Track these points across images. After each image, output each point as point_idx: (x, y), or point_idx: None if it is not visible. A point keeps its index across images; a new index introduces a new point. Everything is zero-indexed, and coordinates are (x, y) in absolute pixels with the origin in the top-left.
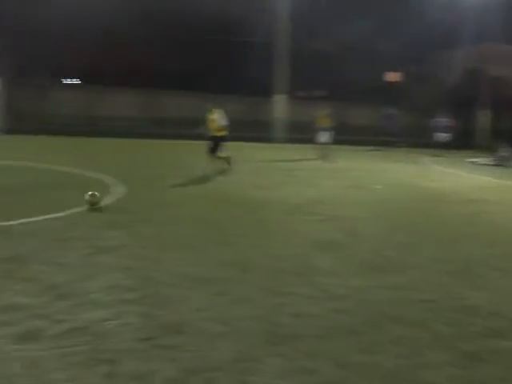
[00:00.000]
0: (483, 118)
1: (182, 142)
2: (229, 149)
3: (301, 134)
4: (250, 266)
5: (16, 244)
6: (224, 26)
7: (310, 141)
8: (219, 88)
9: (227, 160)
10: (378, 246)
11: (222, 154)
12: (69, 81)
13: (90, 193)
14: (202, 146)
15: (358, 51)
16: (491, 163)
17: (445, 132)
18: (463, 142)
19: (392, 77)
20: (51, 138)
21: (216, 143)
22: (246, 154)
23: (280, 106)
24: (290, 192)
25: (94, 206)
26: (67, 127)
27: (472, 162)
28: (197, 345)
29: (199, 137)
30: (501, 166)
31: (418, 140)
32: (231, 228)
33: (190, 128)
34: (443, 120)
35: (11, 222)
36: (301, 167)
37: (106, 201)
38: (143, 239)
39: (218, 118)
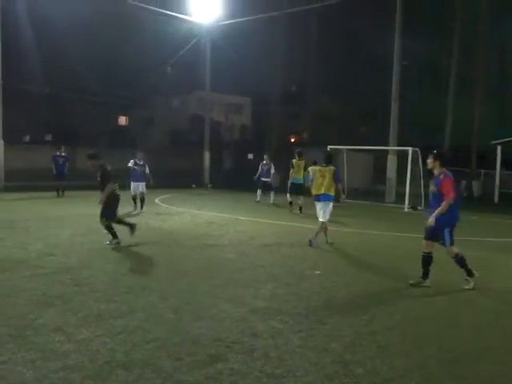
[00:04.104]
0: (207, 159)
1: None
2: None
3: (23, 181)
4: None
5: None
6: None
7: (34, 188)
8: None
9: None
10: (105, 293)
11: None
12: None
13: None
14: None
15: (88, 95)
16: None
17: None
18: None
19: (122, 120)
20: None
21: None
22: None
23: None
24: (11, 246)
25: None
26: None
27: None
28: None
29: None
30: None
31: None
32: None
33: None
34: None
35: None
36: (26, 218)
37: None
38: None
39: None
